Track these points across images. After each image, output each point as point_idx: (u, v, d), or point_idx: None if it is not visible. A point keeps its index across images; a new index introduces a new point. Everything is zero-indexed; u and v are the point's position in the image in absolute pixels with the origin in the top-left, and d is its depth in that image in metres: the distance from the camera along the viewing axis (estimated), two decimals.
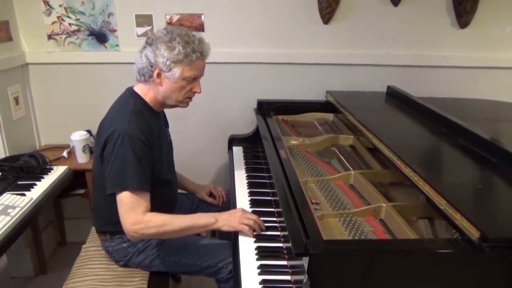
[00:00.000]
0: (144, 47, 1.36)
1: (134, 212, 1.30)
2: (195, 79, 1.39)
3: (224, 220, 1.36)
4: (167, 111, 1.61)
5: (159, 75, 1.35)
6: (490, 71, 2.31)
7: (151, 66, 1.34)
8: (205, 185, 1.82)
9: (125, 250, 1.48)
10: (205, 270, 1.46)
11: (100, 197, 1.44)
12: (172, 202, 1.63)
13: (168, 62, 1.31)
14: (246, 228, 1.34)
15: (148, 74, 1.36)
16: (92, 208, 1.51)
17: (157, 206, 1.43)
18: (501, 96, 2.21)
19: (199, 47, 1.35)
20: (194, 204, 1.78)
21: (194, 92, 1.43)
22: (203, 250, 1.47)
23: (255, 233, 1.35)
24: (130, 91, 1.43)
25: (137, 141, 1.30)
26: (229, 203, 1.73)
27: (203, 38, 1.39)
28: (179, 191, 1.82)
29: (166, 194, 1.53)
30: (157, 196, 1.42)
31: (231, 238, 1.42)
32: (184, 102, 1.44)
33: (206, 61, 2.19)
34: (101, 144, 1.34)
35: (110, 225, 1.46)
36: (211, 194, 1.80)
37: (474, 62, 2.28)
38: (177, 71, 1.33)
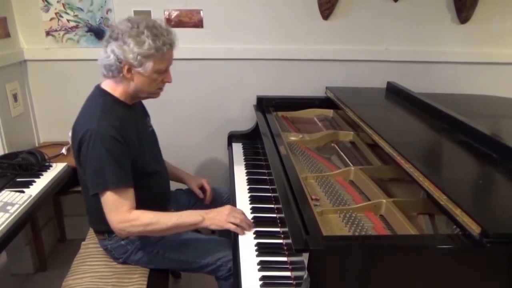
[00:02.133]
0: (108, 42, 1.30)
1: (119, 211, 1.30)
2: (166, 70, 1.38)
3: (211, 219, 1.35)
4: (156, 108, 1.59)
5: (129, 70, 1.31)
6: (490, 67, 2.30)
7: (120, 62, 1.29)
8: (198, 178, 1.79)
9: (123, 248, 1.48)
10: (204, 267, 1.45)
11: (89, 198, 1.43)
12: (165, 194, 1.61)
13: (139, 58, 1.28)
14: (233, 226, 1.34)
15: (117, 70, 1.31)
16: (86, 210, 1.51)
17: (149, 199, 1.43)
18: (501, 91, 2.21)
19: (169, 39, 1.32)
20: (191, 201, 1.77)
21: (165, 82, 1.41)
22: (202, 248, 1.47)
23: (245, 232, 1.35)
24: (99, 89, 1.40)
25: (109, 139, 1.28)
26: (218, 202, 1.73)
27: (169, 28, 1.36)
28: (178, 187, 1.83)
29: (156, 185, 1.52)
30: (147, 188, 1.43)
31: (231, 235, 1.42)
32: (156, 93, 1.43)
33: (206, 57, 2.21)
34: (76, 146, 1.33)
35: (105, 225, 1.45)
36: (201, 188, 1.77)
37: (474, 57, 2.27)
38: (149, 66, 1.31)
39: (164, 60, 1.34)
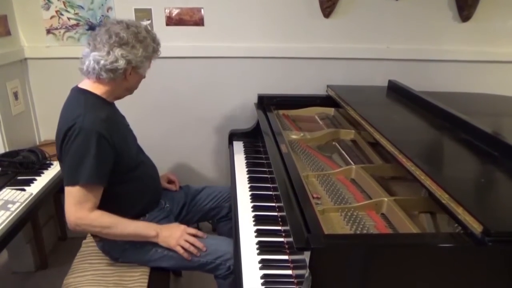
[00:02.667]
0: (114, 47, 1.33)
1: (81, 207, 1.32)
2: None
3: (163, 237, 1.42)
4: (157, 106, 1.60)
5: (131, 72, 1.39)
6: (492, 65, 2.30)
7: (129, 66, 1.37)
8: (162, 175, 1.78)
9: (120, 247, 1.48)
10: (203, 266, 1.46)
11: None
12: (156, 182, 1.62)
13: (144, 60, 1.39)
14: (181, 250, 1.41)
15: (123, 73, 1.37)
16: None
17: (142, 189, 1.49)
18: (502, 90, 2.21)
19: (158, 40, 1.46)
20: (188, 198, 1.77)
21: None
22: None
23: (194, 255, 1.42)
24: (77, 90, 1.42)
25: (95, 134, 1.29)
26: (219, 201, 1.78)
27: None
28: None
29: (146, 174, 1.54)
30: (138, 179, 1.47)
31: (232, 233, 1.42)
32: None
33: (207, 56, 2.20)
34: (59, 141, 1.33)
35: None
36: (170, 182, 1.80)
37: (475, 56, 2.27)
38: (146, 66, 1.44)
39: (152, 59, 1.47)
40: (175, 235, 1.42)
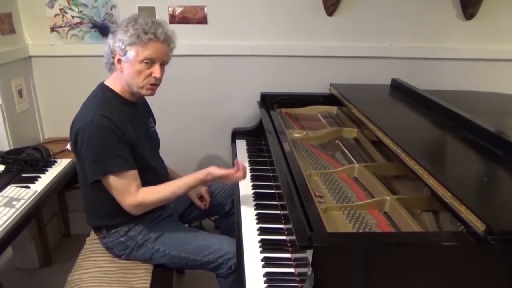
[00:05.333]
0: (108, 37, 1.39)
1: (127, 194, 1.35)
2: (153, 62, 1.37)
3: (210, 170, 1.43)
4: (160, 104, 1.60)
5: (119, 61, 1.37)
6: (496, 64, 2.29)
7: (112, 53, 1.37)
8: (198, 186, 1.75)
9: (123, 244, 1.49)
10: (205, 265, 1.46)
11: (87, 192, 1.45)
12: None
13: (123, 46, 1.33)
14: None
15: (111, 62, 1.39)
16: (84, 207, 1.51)
17: None
18: (507, 88, 2.20)
19: (151, 28, 1.33)
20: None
21: (154, 77, 1.39)
22: (203, 245, 1.47)
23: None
24: (100, 85, 1.45)
25: (104, 129, 1.31)
26: (219, 200, 1.77)
27: (162, 23, 1.38)
28: None
29: (152, 182, 1.49)
30: (148, 184, 1.43)
31: (234, 231, 1.42)
32: (146, 88, 1.40)
33: (210, 54, 2.20)
34: (73, 139, 1.36)
35: (103, 220, 1.48)
36: (201, 197, 1.76)
37: (479, 54, 2.26)
38: (131, 53, 1.33)
39: (146, 49, 1.33)
40: (213, 167, 1.45)
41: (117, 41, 1.34)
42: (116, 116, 1.35)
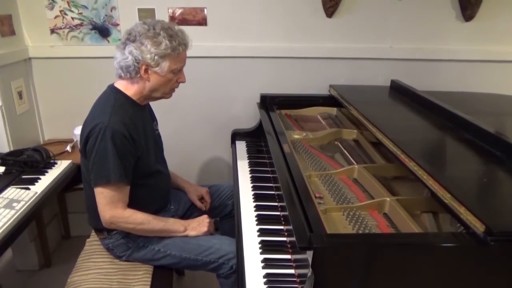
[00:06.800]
0: (126, 44, 1.35)
1: (115, 206, 1.35)
2: (180, 70, 1.42)
3: (192, 228, 1.49)
4: (160, 106, 1.63)
5: (146, 70, 1.36)
6: (495, 65, 2.29)
7: (138, 63, 1.34)
8: (199, 188, 1.79)
9: (124, 245, 1.49)
10: (206, 265, 1.46)
11: (90, 193, 1.45)
12: (166, 194, 1.63)
13: (156, 58, 1.33)
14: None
15: (135, 71, 1.36)
16: (86, 208, 1.52)
17: (150, 198, 1.48)
18: (506, 90, 2.20)
19: (183, 39, 1.38)
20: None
21: (179, 83, 1.45)
22: (204, 246, 1.47)
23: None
24: (111, 88, 1.44)
25: (118, 135, 1.31)
26: (220, 198, 1.80)
27: (182, 29, 1.42)
28: None
29: (158, 185, 1.54)
30: (149, 188, 1.46)
31: (234, 233, 1.42)
32: (170, 93, 1.47)
33: (210, 55, 2.21)
34: (83, 139, 1.36)
35: None
36: (201, 198, 1.78)
37: (478, 55, 2.27)
38: (165, 65, 1.35)
39: (179, 60, 1.39)
40: (204, 222, 1.51)
41: (147, 52, 1.32)
42: (130, 120, 1.36)
